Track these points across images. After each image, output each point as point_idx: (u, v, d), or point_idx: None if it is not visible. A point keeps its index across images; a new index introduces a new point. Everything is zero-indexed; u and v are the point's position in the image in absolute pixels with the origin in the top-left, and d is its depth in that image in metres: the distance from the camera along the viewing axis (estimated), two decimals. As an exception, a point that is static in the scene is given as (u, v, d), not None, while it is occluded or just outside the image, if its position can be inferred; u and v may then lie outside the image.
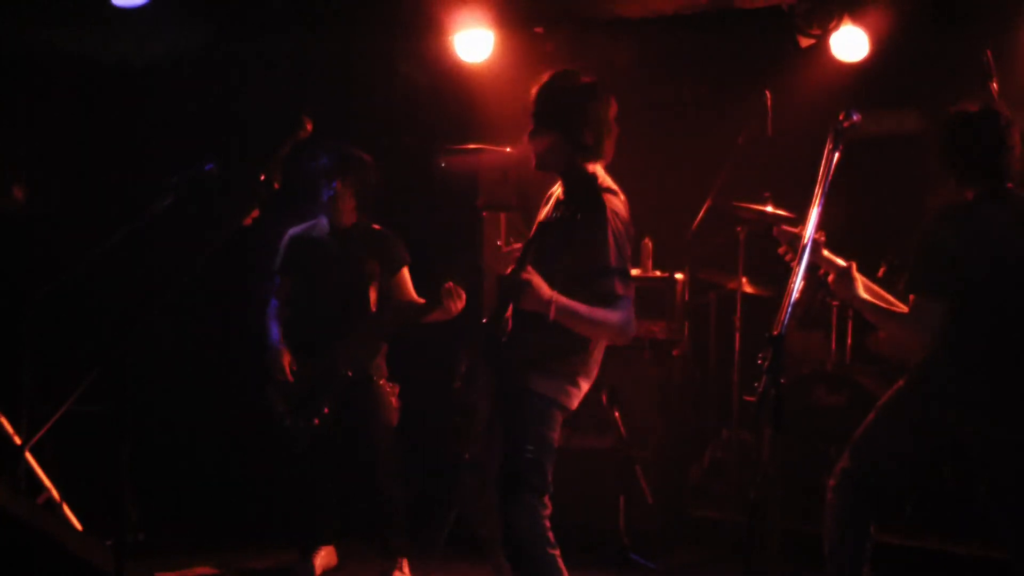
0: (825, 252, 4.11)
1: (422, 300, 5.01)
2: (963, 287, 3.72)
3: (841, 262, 4.03)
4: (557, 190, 3.83)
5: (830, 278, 3.98)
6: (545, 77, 3.77)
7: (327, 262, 5.06)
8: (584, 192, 3.63)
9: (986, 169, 3.83)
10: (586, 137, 3.67)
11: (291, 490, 5.16)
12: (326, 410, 4.86)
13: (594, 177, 3.69)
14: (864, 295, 3.92)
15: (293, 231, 5.19)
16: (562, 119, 3.68)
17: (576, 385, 3.67)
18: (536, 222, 3.85)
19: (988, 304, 3.75)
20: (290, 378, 4.90)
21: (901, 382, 3.89)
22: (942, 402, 3.76)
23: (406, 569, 4.96)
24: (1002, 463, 3.76)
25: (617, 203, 3.64)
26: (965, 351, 3.75)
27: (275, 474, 5.30)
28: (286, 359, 4.94)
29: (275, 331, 5.05)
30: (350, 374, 4.90)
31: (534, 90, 3.76)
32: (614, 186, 3.70)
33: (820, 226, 3.92)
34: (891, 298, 4.03)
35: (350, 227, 5.10)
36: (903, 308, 3.89)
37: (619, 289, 3.52)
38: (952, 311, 3.72)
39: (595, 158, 3.72)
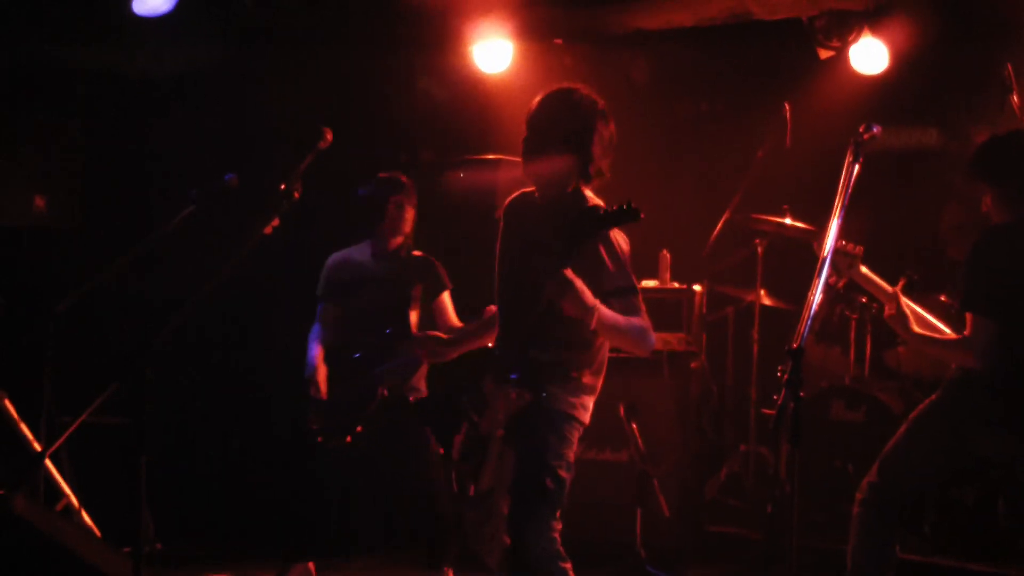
0: (863, 269, 4.09)
1: (462, 324, 5.05)
2: (1012, 306, 3.70)
3: (885, 285, 4.02)
4: (529, 206, 3.77)
5: (885, 313, 3.97)
6: (553, 92, 3.66)
7: (370, 285, 5.10)
8: (581, 214, 3.56)
9: None
10: (597, 161, 3.62)
11: (298, 502, 5.15)
12: (359, 428, 4.88)
13: (587, 198, 3.66)
14: (917, 330, 3.90)
15: (335, 256, 5.23)
16: (578, 142, 3.59)
17: (589, 399, 3.67)
18: (502, 237, 3.83)
19: None
20: (324, 395, 4.91)
21: (935, 396, 3.86)
22: (978, 420, 3.73)
23: None
24: None
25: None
26: (1008, 370, 3.72)
27: (284, 487, 5.29)
28: (322, 376, 4.95)
29: (314, 350, 5.07)
30: (386, 393, 4.92)
31: (539, 107, 3.65)
32: (599, 201, 3.66)
33: (840, 238, 3.92)
34: (935, 321, 4.02)
35: (393, 251, 5.15)
36: (946, 330, 3.89)
37: (635, 303, 3.54)
38: (1004, 327, 3.69)
39: (592, 181, 3.68)
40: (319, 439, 4.90)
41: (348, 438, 4.86)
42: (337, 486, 5.07)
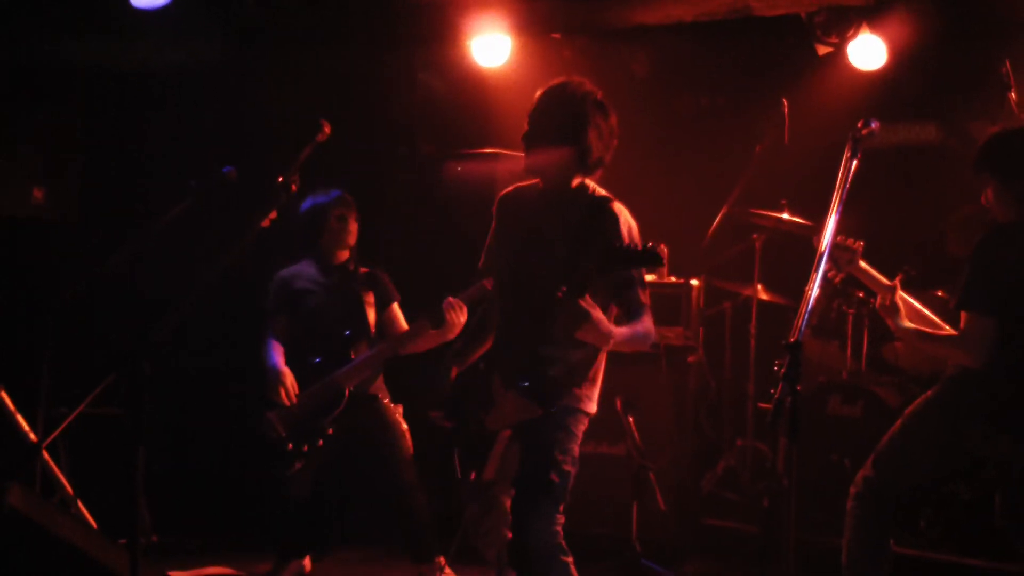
0: (863, 264, 4.08)
1: None
2: (1014, 307, 3.69)
3: (883, 279, 4.02)
4: (526, 199, 3.79)
5: (876, 303, 3.98)
6: (551, 86, 3.69)
7: (323, 296, 5.10)
8: (591, 206, 3.60)
9: None
10: (596, 152, 3.63)
11: (275, 505, 5.15)
12: (330, 431, 4.89)
13: (590, 188, 3.68)
14: (907, 324, 3.90)
15: (282, 273, 5.20)
16: (573, 133, 3.60)
17: (594, 388, 3.70)
18: (496, 231, 3.84)
19: None
20: (294, 400, 4.89)
21: (931, 392, 3.86)
22: (976, 419, 3.73)
23: (446, 567, 4.99)
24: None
25: (626, 213, 3.64)
26: (1007, 370, 3.71)
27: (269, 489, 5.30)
28: (289, 382, 4.91)
29: (274, 357, 5.01)
30: (351, 389, 4.93)
31: (538, 101, 3.68)
32: (607, 193, 3.67)
33: (839, 233, 3.92)
34: (934, 317, 4.02)
35: (341, 265, 5.17)
36: (945, 327, 3.89)
37: (643, 298, 3.56)
38: (1003, 326, 3.69)
39: (594, 172, 3.70)
40: (289, 446, 4.90)
41: (320, 441, 4.89)
42: (314, 488, 5.08)
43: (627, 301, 3.52)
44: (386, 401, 5.07)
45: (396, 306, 5.21)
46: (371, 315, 5.13)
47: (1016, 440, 3.73)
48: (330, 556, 5.45)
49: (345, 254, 5.18)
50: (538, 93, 3.71)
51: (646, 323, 3.55)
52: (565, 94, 3.65)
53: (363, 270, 5.22)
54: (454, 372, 3.85)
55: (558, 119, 3.62)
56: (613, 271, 3.37)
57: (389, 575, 5.34)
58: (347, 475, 5.26)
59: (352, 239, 5.16)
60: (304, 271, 5.19)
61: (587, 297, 3.31)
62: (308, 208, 5.12)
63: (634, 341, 3.54)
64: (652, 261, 3.29)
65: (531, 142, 3.67)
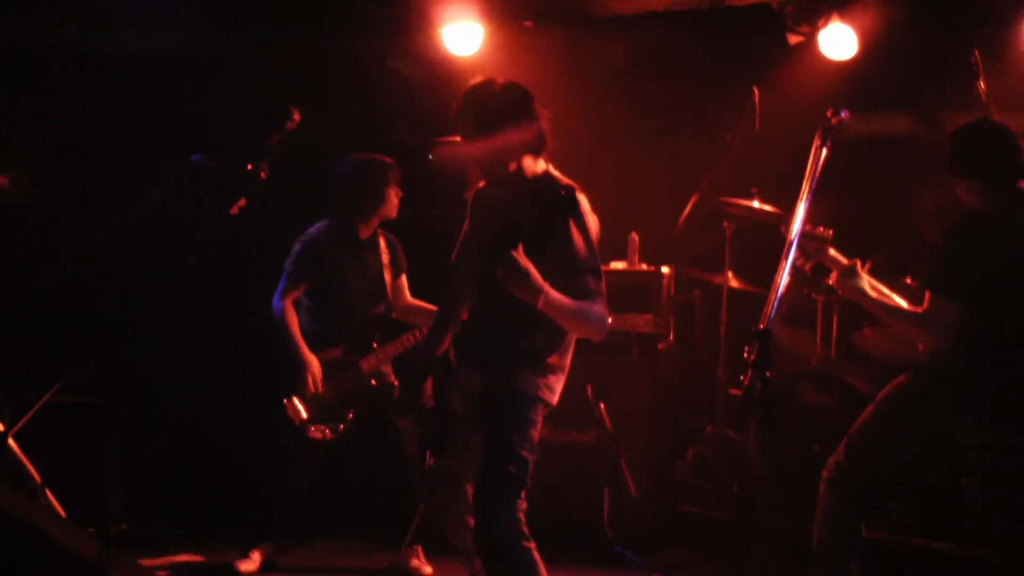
0: (832, 252, 4.10)
1: (419, 303, 5.14)
2: (989, 292, 3.71)
3: (845, 261, 4.04)
4: (488, 191, 3.81)
5: (832, 277, 3.98)
6: (469, 87, 3.74)
7: (352, 269, 5.07)
8: (546, 191, 3.57)
9: (1014, 175, 3.84)
10: (532, 136, 3.65)
11: (267, 486, 5.14)
12: (351, 416, 4.90)
13: (549, 175, 3.68)
14: (871, 292, 3.92)
15: (311, 234, 5.11)
16: (503, 122, 3.62)
17: (557, 379, 3.69)
18: (468, 221, 3.86)
19: (1014, 310, 3.74)
20: (320, 389, 4.88)
21: (902, 378, 3.87)
22: (956, 411, 3.75)
23: (422, 555, 5.00)
24: (1004, 466, 3.78)
25: (586, 204, 3.64)
26: (987, 355, 3.73)
27: (252, 469, 5.29)
28: (317, 370, 4.90)
29: (299, 339, 4.95)
30: (374, 383, 4.94)
31: (462, 100, 3.71)
32: (571, 182, 3.67)
33: (808, 222, 3.94)
34: (894, 294, 4.04)
35: (372, 236, 5.15)
36: (907, 304, 3.91)
37: (592, 285, 3.54)
38: (973, 315, 3.71)
39: (538, 154, 3.71)
40: (312, 431, 4.88)
41: (341, 427, 4.89)
42: (318, 471, 5.09)
43: (575, 286, 3.51)
44: (396, 382, 5.09)
45: (404, 278, 5.22)
46: (390, 297, 5.13)
47: (992, 430, 3.75)
48: (311, 545, 5.45)
49: (376, 223, 5.13)
50: (470, 86, 3.74)
51: (595, 308, 3.54)
52: (482, 88, 3.70)
53: (382, 233, 5.20)
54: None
55: (482, 113, 3.65)
56: (539, 221, 3.42)
57: (363, 563, 5.33)
58: (350, 462, 5.27)
59: (396, 213, 5.13)
60: (332, 236, 5.09)
61: (518, 252, 3.35)
62: (365, 170, 5.06)
63: (577, 316, 3.52)
64: (566, 203, 3.37)
65: (473, 130, 3.69)
